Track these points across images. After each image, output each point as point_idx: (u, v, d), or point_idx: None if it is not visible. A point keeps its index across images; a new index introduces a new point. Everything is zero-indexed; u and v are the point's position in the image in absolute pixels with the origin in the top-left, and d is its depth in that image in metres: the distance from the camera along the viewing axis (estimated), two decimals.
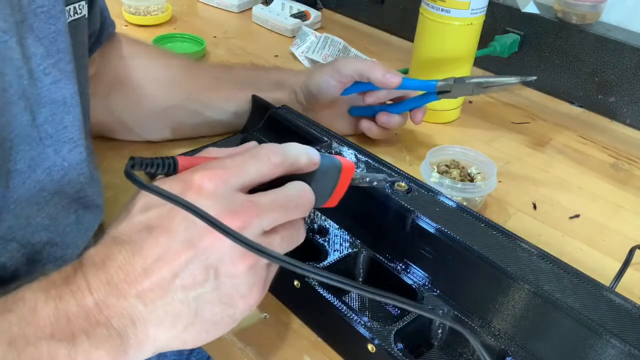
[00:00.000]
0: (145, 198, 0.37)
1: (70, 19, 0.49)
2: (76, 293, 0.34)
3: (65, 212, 0.49)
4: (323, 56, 0.95)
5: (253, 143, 0.43)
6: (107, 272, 0.35)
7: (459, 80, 0.69)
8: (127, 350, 0.35)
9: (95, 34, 0.63)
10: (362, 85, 0.71)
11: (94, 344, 0.34)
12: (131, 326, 0.35)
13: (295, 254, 0.39)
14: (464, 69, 0.81)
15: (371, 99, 0.72)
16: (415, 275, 0.52)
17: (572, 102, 0.92)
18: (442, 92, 0.70)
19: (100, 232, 0.56)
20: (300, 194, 0.39)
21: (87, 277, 0.35)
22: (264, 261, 0.37)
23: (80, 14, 0.51)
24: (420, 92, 0.72)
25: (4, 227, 0.44)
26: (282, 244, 0.39)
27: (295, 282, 0.50)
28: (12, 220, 0.44)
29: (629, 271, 0.57)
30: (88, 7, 0.53)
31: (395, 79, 0.68)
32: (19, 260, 0.45)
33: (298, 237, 0.40)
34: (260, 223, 0.36)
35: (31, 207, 0.46)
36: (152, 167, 0.37)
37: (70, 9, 0.49)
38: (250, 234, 0.36)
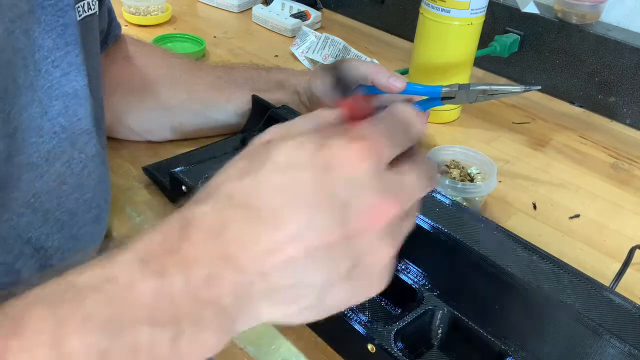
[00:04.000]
0: (278, 156, 0.30)
1: (85, 14, 0.50)
2: (182, 266, 0.28)
3: (85, 206, 0.49)
4: (323, 56, 0.95)
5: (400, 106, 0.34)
6: (223, 244, 0.29)
7: (463, 87, 0.69)
8: (236, 329, 0.30)
9: (102, 34, 0.63)
10: (366, 89, 0.71)
11: (201, 327, 0.28)
12: (244, 305, 0.29)
13: None
14: (464, 70, 0.81)
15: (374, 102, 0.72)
16: (415, 275, 0.52)
17: (572, 102, 0.92)
18: (446, 98, 0.70)
19: (105, 240, 0.56)
20: (433, 171, 0.34)
21: (196, 246, 0.29)
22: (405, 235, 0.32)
23: (92, 10, 0.51)
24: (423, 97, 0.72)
25: (22, 222, 0.43)
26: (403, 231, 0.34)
27: None
28: (30, 215, 0.44)
29: (629, 271, 0.57)
30: (98, 5, 0.53)
31: (400, 83, 0.68)
32: (32, 267, 0.45)
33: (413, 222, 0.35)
34: (403, 223, 0.32)
35: (51, 202, 0.46)
36: None
37: (84, 4, 0.49)
38: (395, 232, 0.32)
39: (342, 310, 0.33)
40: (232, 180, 0.30)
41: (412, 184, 0.31)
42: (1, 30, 0.39)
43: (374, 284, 0.32)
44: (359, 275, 0.31)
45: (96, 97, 0.51)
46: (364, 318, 0.47)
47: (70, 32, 0.46)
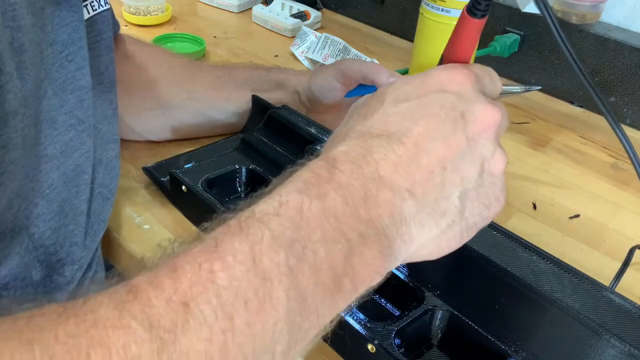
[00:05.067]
0: (392, 94, 0.35)
1: (102, 8, 0.51)
2: (339, 190, 0.31)
3: (105, 193, 0.51)
4: (323, 56, 0.95)
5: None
6: (372, 167, 0.32)
7: None
8: (393, 253, 0.32)
9: None
10: (366, 88, 0.71)
11: (367, 244, 0.30)
12: (400, 225, 0.32)
13: None
14: None
15: None
16: (415, 275, 0.52)
17: (572, 102, 0.92)
18: None
19: (105, 240, 0.57)
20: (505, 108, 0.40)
21: (347, 173, 0.31)
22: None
23: (105, 6, 0.52)
24: None
25: (35, 213, 0.44)
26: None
27: None
28: (45, 206, 0.45)
29: (629, 271, 0.57)
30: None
31: None
32: (40, 273, 0.46)
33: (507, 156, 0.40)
34: (502, 127, 0.37)
35: (69, 191, 0.47)
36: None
37: (100, 0, 0.50)
38: (500, 132, 0.37)
39: (477, 229, 0.36)
40: (359, 122, 0.35)
41: (499, 105, 0.37)
42: (29, 23, 0.39)
43: (499, 193, 0.36)
44: (487, 183, 0.35)
45: (112, 88, 0.53)
46: (364, 318, 0.47)
47: (82, 27, 0.47)
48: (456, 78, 0.35)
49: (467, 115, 0.34)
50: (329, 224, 0.30)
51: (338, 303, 0.30)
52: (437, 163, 0.33)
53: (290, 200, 0.30)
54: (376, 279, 0.32)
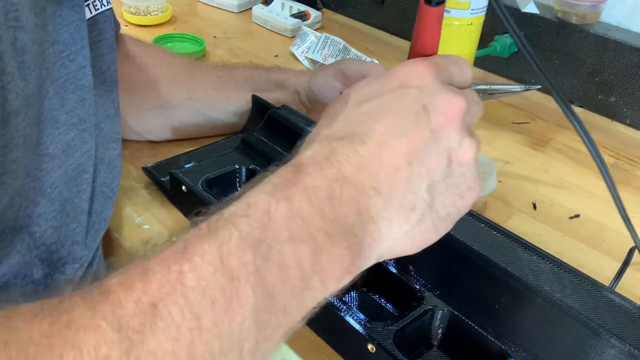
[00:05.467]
0: (355, 95, 0.36)
1: (104, 8, 0.51)
2: (305, 192, 0.31)
3: (107, 192, 0.51)
4: (323, 56, 0.95)
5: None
6: (335, 168, 0.32)
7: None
8: (363, 250, 0.33)
9: None
10: None
11: (334, 242, 0.31)
12: (367, 223, 0.32)
13: None
14: None
15: None
16: (415, 275, 0.52)
17: (572, 102, 0.92)
18: None
19: (105, 239, 0.57)
20: (477, 95, 0.39)
21: (312, 175, 0.32)
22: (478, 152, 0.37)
23: (107, 6, 0.52)
24: None
25: (36, 212, 0.44)
26: (479, 143, 0.38)
27: None
28: (46, 205, 0.45)
29: (629, 271, 0.57)
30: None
31: None
32: (42, 271, 0.46)
33: (480, 143, 0.39)
34: (471, 113, 0.36)
35: (70, 190, 0.47)
36: None
37: (92, 2, 0.50)
38: (468, 122, 0.36)
39: (453, 220, 0.36)
40: (325, 126, 0.35)
41: (467, 92, 0.37)
42: (31, 23, 0.39)
43: (471, 182, 0.36)
44: (456, 173, 0.35)
45: (113, 87, 0.54)
46: (364, 318, 0.47)
47: (84, 26, 0.47)
48: (416, 72, 0.35)
49: (429, 108, 0.34)
50: (296, 224, 0.31)
51: (307, 301, 0.31)
52: (401, 159, 0.33)
53: (258, 202, 0.31)
54: (346, 277, 0.32)
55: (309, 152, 0.34)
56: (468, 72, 0.39)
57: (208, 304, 0.27)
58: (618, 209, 0.34)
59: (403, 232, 0.34)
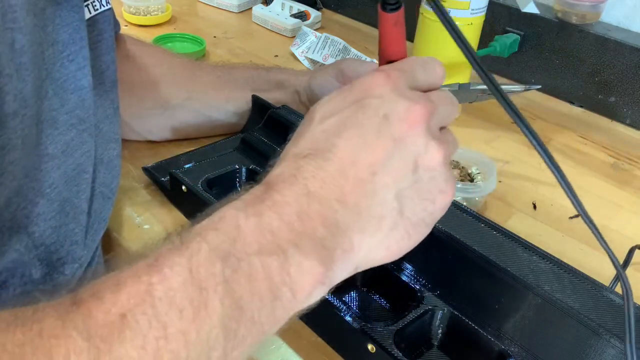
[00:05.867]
0: (319, 112, 0.36)
1: (103, 8, 0.51)
2: (273, 208, 0.32)
3: (106, 192, 0.51)
4: (323, 56, 0.95)
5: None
6: (301, 184, 0.33)
7: (463, 87, 0.69)
8: (335, 262, 0.33)
9: None
10: None
11: (304, 254, 0.32)
12: (336, 234, 0.33)
13: None
14: (464, 70, 0.81)
15: None
16: (415, 275, 0.52)
17: (572, 102, 0.92)
18: None
19: (105, 239, 0.57)
20: (451, 95, 0.39)
21: (281, 192, 0.33)
22: (449, 154, 0.37)
23: (107, 6, 0.52)
24: None
25: (35, 212, 0.44)
26: (451, 147, 0.38)
27: None
28: (45, 205, 0.45)
29: (629, 271, 0.57)
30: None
31: None
32: (41, 271, 0.46)
33: (456, 145, 0.39)
34: (438, 115, 0.36)
35: (70, 190, 0.47)
36: None
37: (90, 2, 0.50)
38: (434, 126, 0.36)
39: (427, 233, 0.37)
40: (293, 145, 0.36)
41: (435, 94, 0.37)
42: (30, 24, 0.39)
43: (443, 185, 0.36)
44: (425, 178, 0.35)
45: (112, 88, 0.54)
46: (364, 318, 0.47)
47: (84, 27, 0.47)
48: (376, 82, 0.36)
49: (390, 116, 0.34)
50: (265, 238, 0.32)
51: (277, 311, 0.32)
52: (365, 170, 0.33)
53: (229, 217, 0.32)
54: (319, 288, 0.33)
55: (278, 170, 0.35)
56: (437, 72, 0.39)
57: (176, 313, 0.28)
58: (556, 177, 0.34)
59: (376, 241, 0.35)
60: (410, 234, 0.36)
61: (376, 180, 0.34)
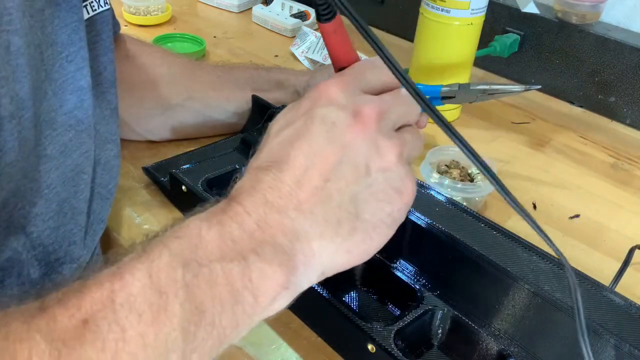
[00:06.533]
0: (276, 125, 0.38)
1: (102, 9, 0.52)
2: (235, 218, 0.34)
3: (104, 193, 0.51)
4: (323, 56, 0.95)
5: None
6: (260, 194, 0.35)
7: (463, 87, 0.69)
8: (297, 267, 0.34)
9: None
10: None
11: (265, 260, 0.33)
12: (295, 241, 0.34)
13: None
14: (464, 70, 0.81)
15: None
16: (415, 275, 0.52)
17: (572, 102, 0.92)
18: (447, 98, 0.70)
19: (105, 239, 0.57)
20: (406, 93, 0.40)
21: (241, 203, 0.35)
22: (405, 152, 0.37)
23: (105, 6, 0.52)
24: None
25: (33, 213, 0.44)
26: (412, 145, 0.38)
27: None
28: (43, 205, 0.45)
29: (629, 271, 0.57)
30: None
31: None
32: (39, 271, 0.46)
33: (419, 143, 0.40)
34: (390, 116, 0.37)
35: (68, 191, 0.47)
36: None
37: (89, 3, 0.50)
38: (386, 127, 0.36)
39: (390, 234, 0.37)
40: (254, 159, 0.38)
41: (389, 95, 0.38)
42: (27, 26, 0.40)
43: (399, 184, 0.37)
44: (380, 179, 0.36)
45: (110, 88, 0.54)
46: (364, 318, 0.47)
47: (82, 27, 0.47)
48: (324, 91, 0.37)
49: (339, 123, 0.36)
50: (227, 246, 0.33)
51: (238, 315, 0.33)
52: (318, 178, 0.35)
53: (192, 226, 0.34)
54: (283, 292, 0.34)
55: (240, 183, 0.37)
56: (384, 71, 0.38)
57: (135, 317, 0.29)
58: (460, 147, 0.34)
59: (336, 245, 0.36)
60: (372, 236, 0.37)
61: (329, 187, 0.35)
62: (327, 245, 0.35)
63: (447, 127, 0.34)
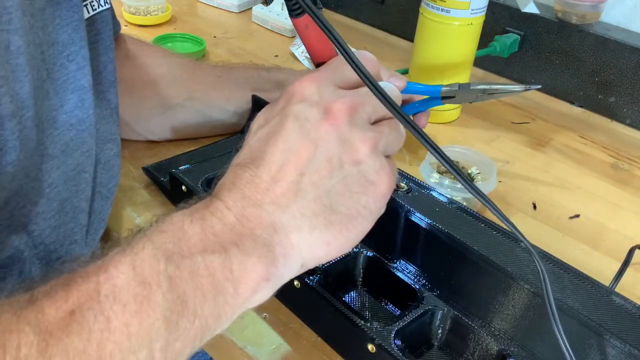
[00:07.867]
0: (256, 123, 0.39)
1: (102, 8, 0.52)
2: (216, 213, 0.35)
3: (105, 192, 0.51)
4: None
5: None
6: (239, 190, 0.36)
7: (463, 87, 0.69)
8: (277, 259, 0.35)
9: None
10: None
11: (245, 253, 0.34)
12: (274, 234, 0.35)
13: None
14: (464, 69, 0.81)
15: None
16: (415, 275, 0.52)
17: (572, 102, 0.92)
18: (446, 97, 0.70)
19: (105, 239, 0.57)
20: (388, 89, 0.41)
21: (222, 198, 0.36)
22: (381, 145, 0.38)
23: (105, 5, 0.53)
24: (424, 97, 0.72)
25: (35, 212, 0.44)
26: (389, 137, 0.39)
27: (295, 282, 0.50)
28: (45, 204, 0.45)
29: (629, 271, 0.57)
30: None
31: (400, 83, 0.68)
32: (40, 269, 0.46)
33: (398, 135, 0.40)
34: (365, 109, 0.38)
35: (69, 189, 0.47)
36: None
37: (89, 2, 0.50)
38: (360, 120, 0.37)
39: (367, 226, 0.38)
40: (236, 157, 0.39)
41: (360, 91, 0.39)
42: (27, 25, 0.40)
43: (373, 176, 0.37)
44: (354, 172, 0.37)
45: (110, 88, 0.54)
46: (364, 318, 0.47)
47: (83, 27, 0.47)
48: (298, 88, 0.38)
49: (311, 119, 0.37)
50: (209, 239, 0.34)
51: (220, 306, 0.34)
52: (293, 172, 0.36)
53: (175, 220, 0.35)
54: (264, 284, 0.35)
55: (222, 180, 0.38)
56: (369, 64, 0.40)
57: (119, 308, 0.31)
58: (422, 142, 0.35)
59: (315, 238, 0.37)
60: (349, 228, 0.37)
61: (304, 181, 0.36)
62: (306, 237, 0.36)
63: (401, 115, 0.35)
